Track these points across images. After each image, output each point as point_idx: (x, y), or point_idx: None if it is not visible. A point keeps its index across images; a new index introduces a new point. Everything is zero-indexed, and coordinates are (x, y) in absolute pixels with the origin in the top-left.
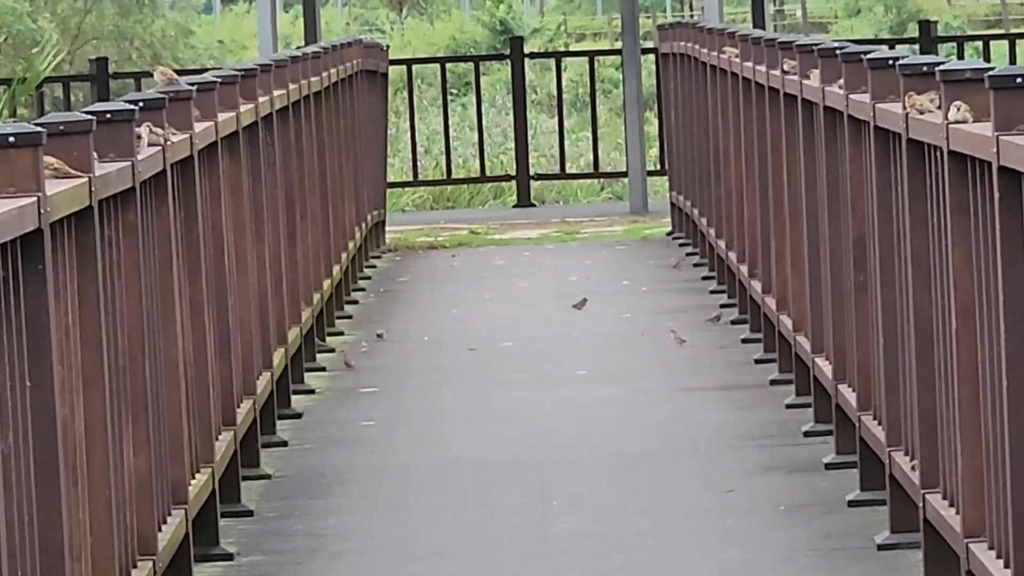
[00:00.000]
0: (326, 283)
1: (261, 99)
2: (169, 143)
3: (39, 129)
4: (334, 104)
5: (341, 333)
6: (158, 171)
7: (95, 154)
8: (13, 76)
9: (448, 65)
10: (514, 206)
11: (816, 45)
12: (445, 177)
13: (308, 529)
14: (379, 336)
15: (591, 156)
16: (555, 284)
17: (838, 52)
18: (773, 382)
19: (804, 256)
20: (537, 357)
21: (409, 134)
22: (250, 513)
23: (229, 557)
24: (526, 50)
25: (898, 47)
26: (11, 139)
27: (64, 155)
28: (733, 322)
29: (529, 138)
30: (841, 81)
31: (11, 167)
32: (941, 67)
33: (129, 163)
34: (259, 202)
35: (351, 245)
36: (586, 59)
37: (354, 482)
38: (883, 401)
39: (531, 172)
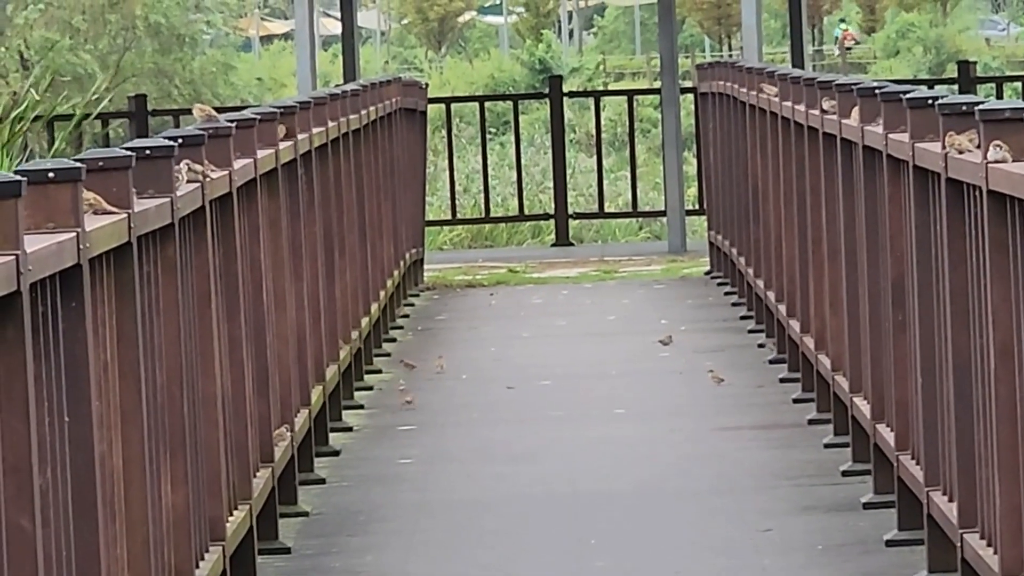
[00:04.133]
0: (364, 321)
1: (300, 136)
2: (208, 180)
3: (78, 165)
4: (373, 142)
5: (379, 371)
6: (197, 208)
7: (134, 190)
8: (52, 111)
9: (487, 104)
10: (552, 245)
11: (855, 85)
12: (483, 216)
13: (345, 567)
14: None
15: (630, 195)
16: (593, 323)
17: (877, 92)
18: (811, 421)
19: (843, 295)
20: (575, 395)
21: (448, 172)
22: (287, 550)
23: None
24: (565, 89)
25: (937, 87)
26: (50, 175)
27: (103, 191)
28: (771, 362)
29: (568, 177)
30: (880, 120)
31: (50, 203)
32: (980, 107)
33: (168, 199)
34: (298, 239)
35: (389, 283)
36: (625, 98)
37: (391, 519)
38: (921, 441)
39: (569, 211)
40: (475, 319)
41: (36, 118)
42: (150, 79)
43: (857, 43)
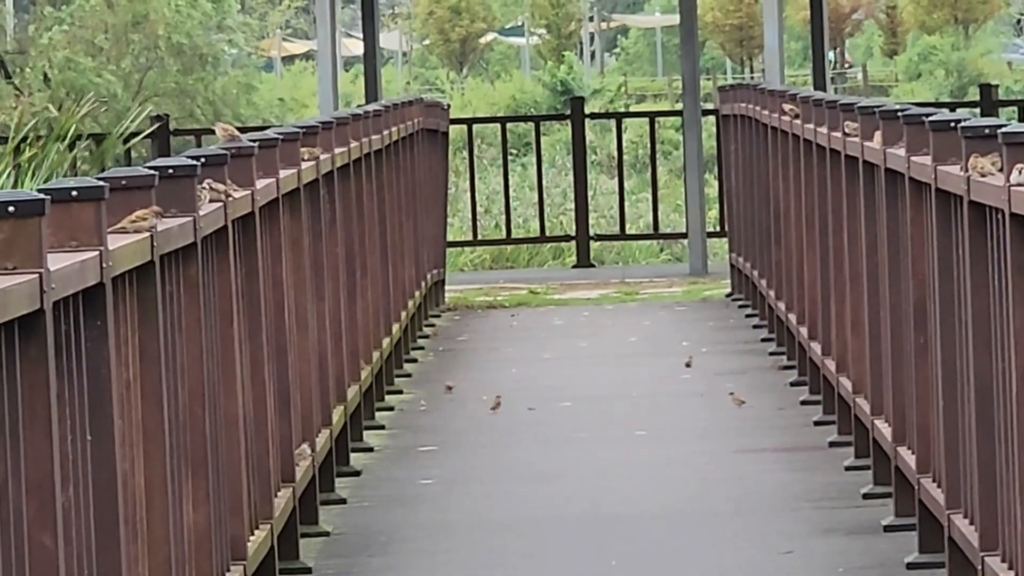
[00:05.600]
0: (385, 341)
1: (323, 156)
2: (230, 199)
3: (101, 183)
4: (395, 162)
5: (400, 391)
6: (219, 227)
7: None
8: (76, 132)
9: (508, 125)
10: (573, 266)
11: (878, 107)
12: (505, 237)
13: None
14: (448, 388)
15: (651, 217)
16: (614, 345)
17: (900, 114)
18: (832, 444)
19: (864, 318)
20: (596, 417)
21: (469, 193)
22: (308, 570)
23: None
24: (586, 110)
25: (959, 111)
26: (73, 193)
27: (126, 210)
28: (792, 384)
29: (589, 199)
30: (903, 143)
31: (73, 221)
32: (1003, 130)
33: (191, 219)
34: (319, 259)
35: (410, 303)
36: (646, 120)
37: (412, 540)
38: (942, 463)
39: (591, 233)
40: (496, 340)
41: (58, 137)
42: (172, 99)
43: (851, 66)
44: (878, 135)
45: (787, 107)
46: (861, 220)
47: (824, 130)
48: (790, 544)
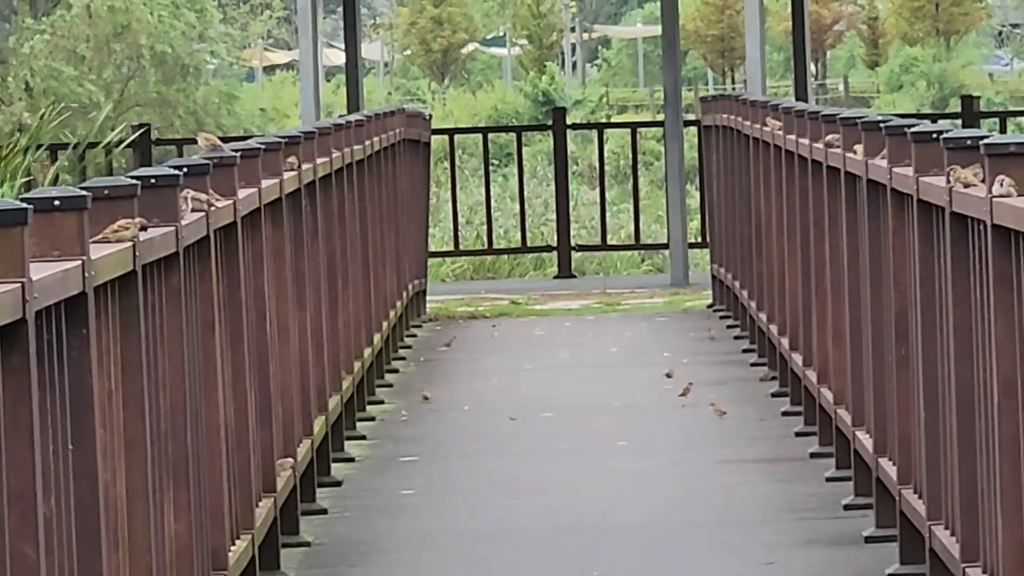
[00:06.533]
0: (367, 351)
1: (305, 166)
2: (213, 209)
3: (84, 193)
4: (376, 172)
5: (381, 402)
6: (201, 237)
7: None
8: (57, 140)
9: (490, 135)
10: (555, 277)
11: (859, 118)
12: (486, 247)
13: None
14: (425, 398)
15: (632, 228)
16: (595, 355)
17: (882, 125)
18: (813, 455)
19: (846, 329)
20: (577, 427)
21: (450, 204)
22: None
23: None
24: (568, 121)
25: (940, 122)
26: (56, 203)
27: (108, 220)
28: (774, 395)
29: (570, 209)
30: (885, 154)
31: (56, 230)
32: (985, 141)
33: (173, 228)
34: (301, 269)
35: (392, 314)
36: (628, 131)
37: (394, 551)
38: (924, 475)
39: (572, 243)
40: (477, 350)
41: (39, 147)
42: (153, 108)
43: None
44: (860, 146)
45: (772, 122)
46: (843, 231)
47: (806, 141)
48: (771, 555)
